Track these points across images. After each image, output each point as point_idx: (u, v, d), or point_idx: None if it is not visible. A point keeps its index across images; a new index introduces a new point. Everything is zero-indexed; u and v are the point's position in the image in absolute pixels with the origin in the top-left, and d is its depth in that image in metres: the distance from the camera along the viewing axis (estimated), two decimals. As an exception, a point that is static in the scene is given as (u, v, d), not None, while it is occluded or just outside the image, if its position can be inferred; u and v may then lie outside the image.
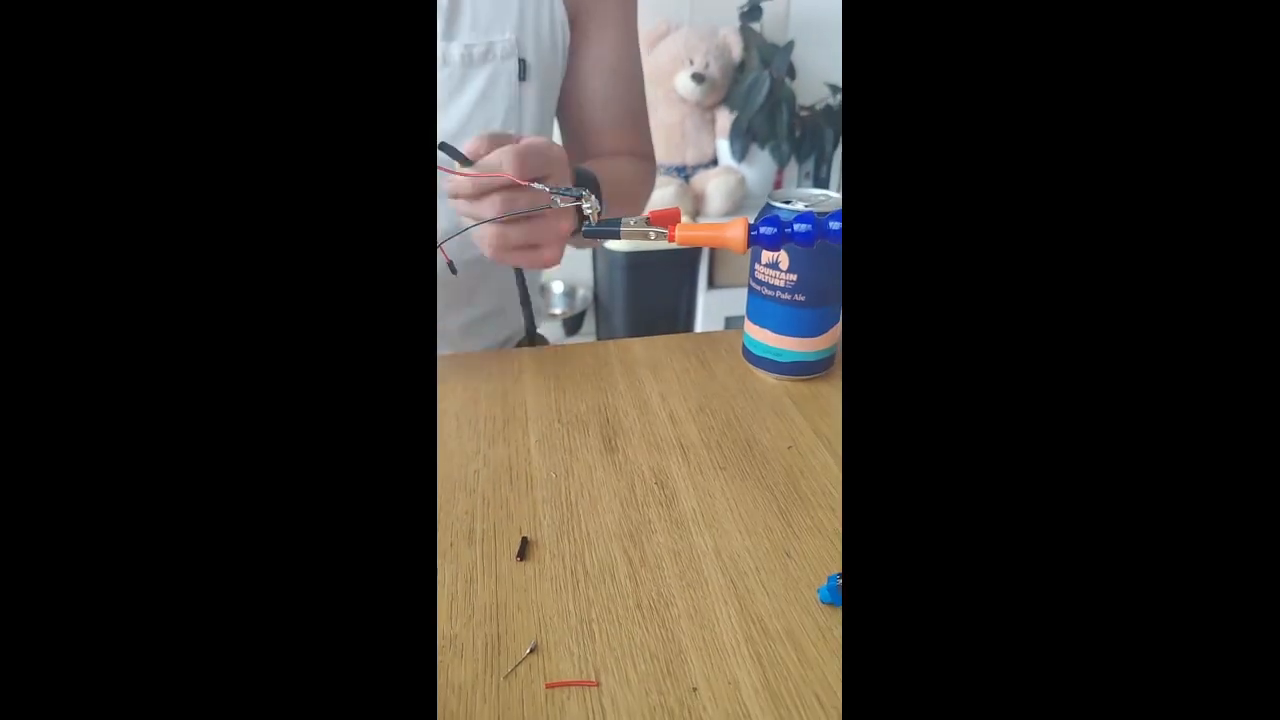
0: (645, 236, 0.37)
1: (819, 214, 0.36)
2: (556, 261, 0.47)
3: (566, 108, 0.68)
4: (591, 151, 0.70)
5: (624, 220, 0.38)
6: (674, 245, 0.39)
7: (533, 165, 0.42)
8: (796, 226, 0.36)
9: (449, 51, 0.56)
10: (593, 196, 0.38)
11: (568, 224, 0.46)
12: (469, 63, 0.56)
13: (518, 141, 0.42)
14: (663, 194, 1.61)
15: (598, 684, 0.28)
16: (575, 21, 0.63)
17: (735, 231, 0.36)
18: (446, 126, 0.58)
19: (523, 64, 0.59)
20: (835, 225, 0.34)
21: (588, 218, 0.38)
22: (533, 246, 0.45)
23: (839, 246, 0.45)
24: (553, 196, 0.39)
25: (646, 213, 0.38)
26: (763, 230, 0.36)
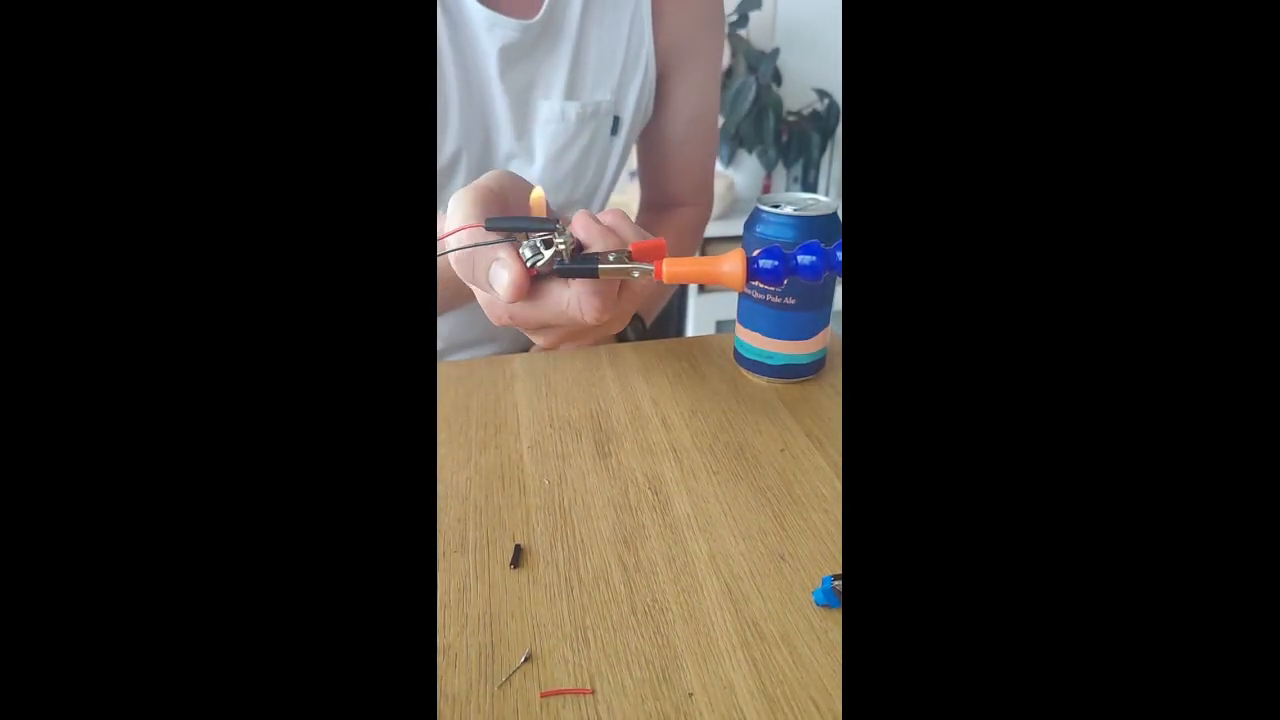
0: (627, 275, 0.33)
1: (822, 236, 0.33)
2: (624, 324, 0.41)
3: (647, 151, 0.75)
4: (665, 191, 0.76)
5: (601, 256, 0.34)
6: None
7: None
8: (801, 259, 0.32)
9: (567, 110, 0.62)
10: (567, 230, 0.34)
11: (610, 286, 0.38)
12: (582, 119, 0.63)
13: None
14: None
15: (592, 692, 0.28)
16: (663, 73, 0.68)
17: (732, 266, 0.32)
18: (555, 177, 0.64)
19: (617, 120, 0.65)
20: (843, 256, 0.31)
21: (560, 256, 0.34)
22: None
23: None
24: (519, 235, 0.34)
25: (629, 246, 0.34)
26: (763, 263, 0.32)
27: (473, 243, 0.35)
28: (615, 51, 0.63)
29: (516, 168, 0.63)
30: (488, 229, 0.35)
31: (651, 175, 0.77)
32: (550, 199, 0.63)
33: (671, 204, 0.78)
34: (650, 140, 0.74)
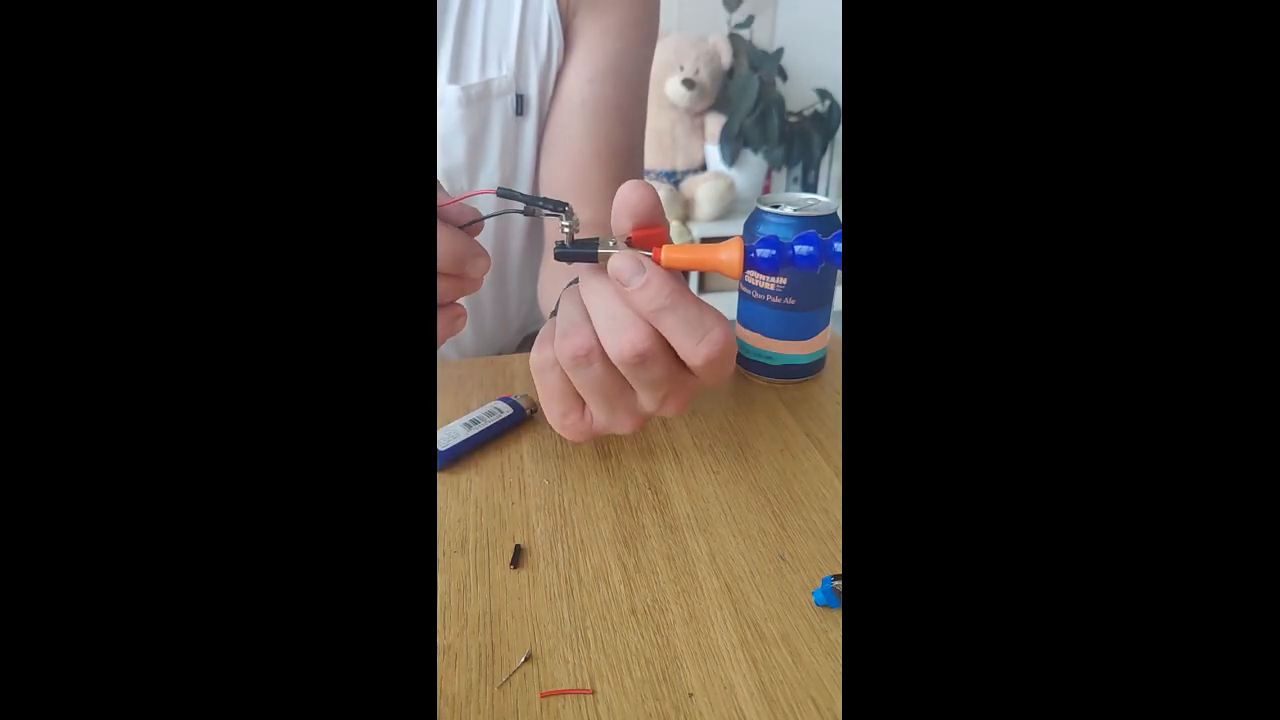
0: None
1: (822, 236, 0.32)
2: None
3: (543, 127, 0.61)
4: (554, 182, 0.60)
5: (601, 240, 0.33)
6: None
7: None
8: (798, 249, 0.32)
9: (446, 95, 0.55)
10: (574, 216, 0.34)
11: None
12: (465, 104, 0.56)
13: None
14: (653, 199, 1.61)
15: (592, 692, 0.28)
16: (568, 34, 0.59)
17: (730, 254, 0.32)
18: (449, 164, 0.57)
19: (520, 99, 0.58)
20: (840, 247, 0.31)
21: (562, 240, 0.34)
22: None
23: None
24: (530, 207, 0.34)
25: (629, 232, 0.34)
26: (760, 253, 0.32)
27: (488, 213, 0.34)
28: (509, 22, 0.56)
29: None
30: (499, 196, 0.34)
31: (545, 157, 0.60)
32: (450, 188, 0.57)
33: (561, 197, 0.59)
34: (549, 113, 0.60)
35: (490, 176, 0.59)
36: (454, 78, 0.55)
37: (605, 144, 0.58)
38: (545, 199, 0.34)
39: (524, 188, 0.61)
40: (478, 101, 0.56)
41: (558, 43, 0.58)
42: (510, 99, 0.57)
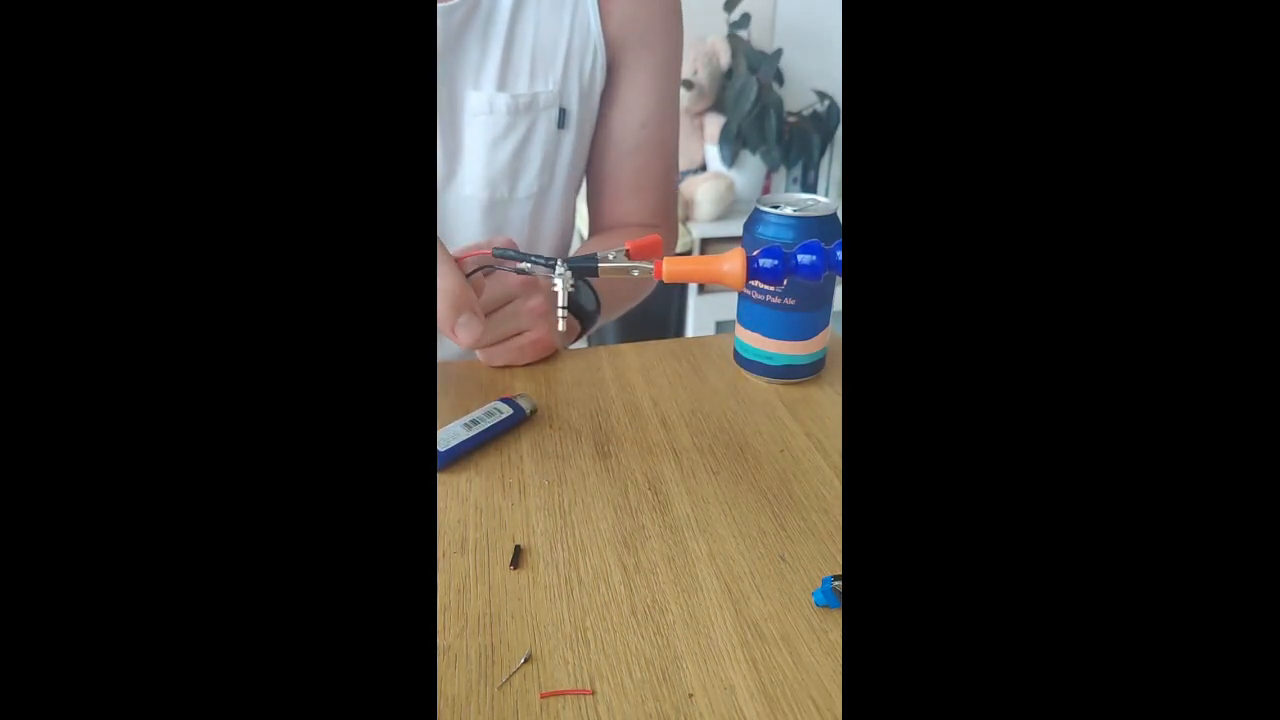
0: (627, 274, 0.34)
1: (822, 237, 0.33)
2: (549, 341, 0.49)
3: (594, 163, 0.67)
4: (616, 211, 0.68)
5: (600, 255, 0.34)
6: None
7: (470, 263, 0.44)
8: (800, 258, 0.32)
9: (496, 102, 0.58)
10: (565, 269, 0.36)
11: (540, 300, 0.47)
12: (514, 112, 0.58)
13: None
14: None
15: (592, 692, 0.28)
16: (612, 67, 0.62)
17: (732, 265, 0.32)
18: (491, 172, 0.60)
19: (563, 113, 0.61)
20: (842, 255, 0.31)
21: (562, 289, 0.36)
22: (514, 336, 0.48)
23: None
24: (519, 265, 0.38)
25: (624, 244, 0.35)
26: (763, 263, 0.32)
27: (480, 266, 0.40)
28: (557, 38, 0.59)
29: (442, 162, 0.59)
30: (496, 257, 0.40)
31: (598, 192, 0.68)
32: (489, 195, 0.60)
33: (624, 227, 0.68)
34: (597, 149, 0.66)
35: (530, 184, 0.62)
36: (502, 85, 0.58)
37: (649, 177, 0.66)
38: (539, 256, 0.37)
39: (559, 196, 0.65)
40: (525, 112, 0.59)
41: (601, 66, 0.61)
42: (554, 112, 0.60)
